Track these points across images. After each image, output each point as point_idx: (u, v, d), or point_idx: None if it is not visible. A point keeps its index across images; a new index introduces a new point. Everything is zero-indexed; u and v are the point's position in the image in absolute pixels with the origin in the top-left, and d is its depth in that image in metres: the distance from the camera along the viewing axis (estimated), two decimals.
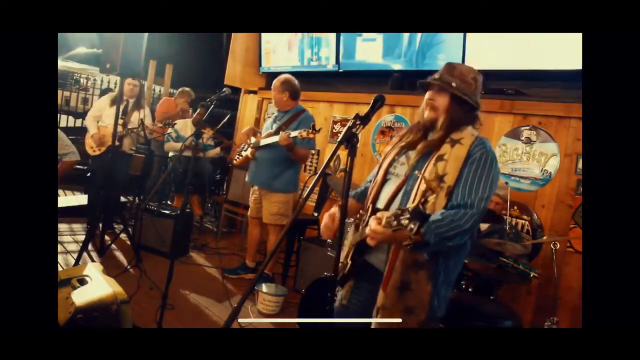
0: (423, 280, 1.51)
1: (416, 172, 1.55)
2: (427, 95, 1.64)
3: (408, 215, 1.20)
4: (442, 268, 1.56)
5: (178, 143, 4.72)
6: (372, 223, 1.38)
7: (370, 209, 1.63)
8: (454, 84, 1.59)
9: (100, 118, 4.31)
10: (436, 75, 1.64)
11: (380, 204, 1.64)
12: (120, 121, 4.15)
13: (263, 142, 3.48)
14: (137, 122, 4.22)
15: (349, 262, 1.66)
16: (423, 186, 1.39)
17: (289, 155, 3.39)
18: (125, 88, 4.23)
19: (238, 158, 3.75)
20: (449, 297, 1.63)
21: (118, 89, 4.34)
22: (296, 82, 3.59)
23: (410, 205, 1.23)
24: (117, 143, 4.01)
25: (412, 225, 1.18)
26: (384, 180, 1.68)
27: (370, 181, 1.82)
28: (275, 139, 3.30)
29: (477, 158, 1.52)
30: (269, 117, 3.80)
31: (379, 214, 1.36)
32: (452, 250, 1.53)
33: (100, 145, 4.26)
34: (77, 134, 5.66)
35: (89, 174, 5.05)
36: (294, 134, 3.19)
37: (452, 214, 1.46)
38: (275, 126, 3.52)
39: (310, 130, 3.10)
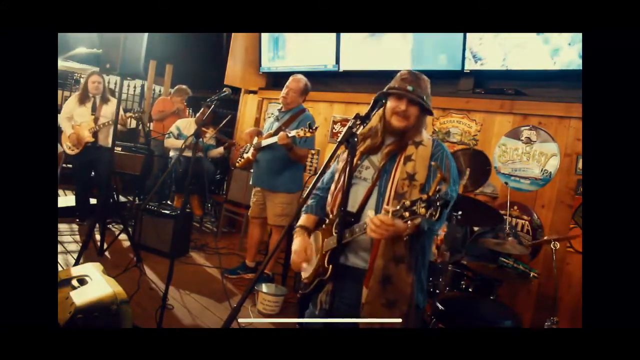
0: (403, 272, 1.58)
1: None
2: (400, 105, 1.67)
3: (424, 204, 1.31)
4: (420, 260, 1.68)
5: (178, 140, 4.72)
6: (379, 216, 1.44)
7: (344, 215, 1.62)
8: (424, 97, 1.68)
9: (72, 118, 4.42)
10: (409, 87, 1.67)
11: (352, 207, 1.67)
12: (92, 117, 4.34)
13: (264, 142, 3.46)
14: (108, 115, 4.34)
15: (329, 267, 1.67)
16: (396, 185, 1.61)
17: (288, 155, 3.39)
18: (89, 86, 4.39)
19: (240, 160, 3.73)
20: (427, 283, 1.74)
21: (83, 86, 4.46)
22: None
23: (424, 195, 1.33)
24: (93, 139, 4.28)
25: (432, 212, 1.29)
26: (349, 185, 1.69)
27: (323, 188, 1.87)
28: (275, 139, 3.29)
29: (439, 157, 1.67)
30: (269, 117, 3.76)
31: (383, 209, 1.46)
32: (426, 241, 1.73)
33: (77, 145, 4.36)
34: None
35: (73, 172, 5.11)
36: (292, 133, 3.19)
37: None
38: (275, 126, 3.50)
39: (307, 130, 3.09)
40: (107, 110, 4.38)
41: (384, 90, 1.70)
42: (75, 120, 4.38)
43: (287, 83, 3.50)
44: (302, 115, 3.47)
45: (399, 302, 1.57)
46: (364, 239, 1.61)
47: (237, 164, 3.81)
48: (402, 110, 1.66)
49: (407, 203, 1.37)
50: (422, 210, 1.31)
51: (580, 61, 2.95)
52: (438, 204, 1.28)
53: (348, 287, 1.66)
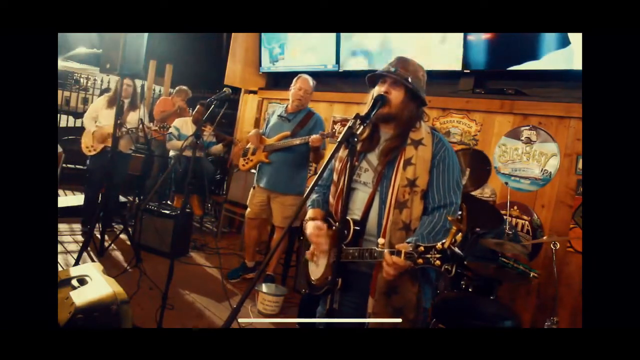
0: (408, 282, 1.55)
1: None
2: (382, 88, 1.61)
3: (440, 256, 1.27)
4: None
5: (180, 141, 4.70)
6: (394, 258, 1.41)
7: (351, 226, 1.62)
8: (409, 79, 1.59)
9: (97, 119, 4.35)
10: (391, 68, 1.62)
11: (355, 215, 1.65)
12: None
13: (280, 144, 3.40)
14: (134, 122, 4.25)
15: (339, 279, 1.61)
16: (397, 193, 1.53)
17: (303, 156, 3.38)
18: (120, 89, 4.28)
19: (247, 162, 3.62)
20: (437, 288, 1.68)
21: (114, 89, 4.39)
22: None
23: (439, 245, 1.29)
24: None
25: (447, 267, 1.26)
26: (349, 189, 1.65)
27: (323, 185, 1.83)
28: (300, 140, 3.27)
29: (442, 157, 1.59)
30: (274, 117, 3.60)
31: (398, 246, 1.41)
32: None
33: (102, 142, 4.28)
34: (77, 134, 5.66)
35: (87, 174, 5.08)
36: (333, 131, 3.19)
37: (437, 218, 1.53)
38: (288, 127, 3.45)
39: (357, 122, 3.09)
40: (133, 117, 4.28)
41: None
42: (99, 122, 4.31)
43: (297, 84, 3.43)
44: (316, 116, 3.48)
45: (405, 310, 1.55)
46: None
47: (242, 166, 3.67)
48: (385, 93, 1.59)
49: (422, 249, 1.32)
50: (437, 262, 1.29)
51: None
52: (454, 260, 1.25)
53: (352, 293, 1.65)
